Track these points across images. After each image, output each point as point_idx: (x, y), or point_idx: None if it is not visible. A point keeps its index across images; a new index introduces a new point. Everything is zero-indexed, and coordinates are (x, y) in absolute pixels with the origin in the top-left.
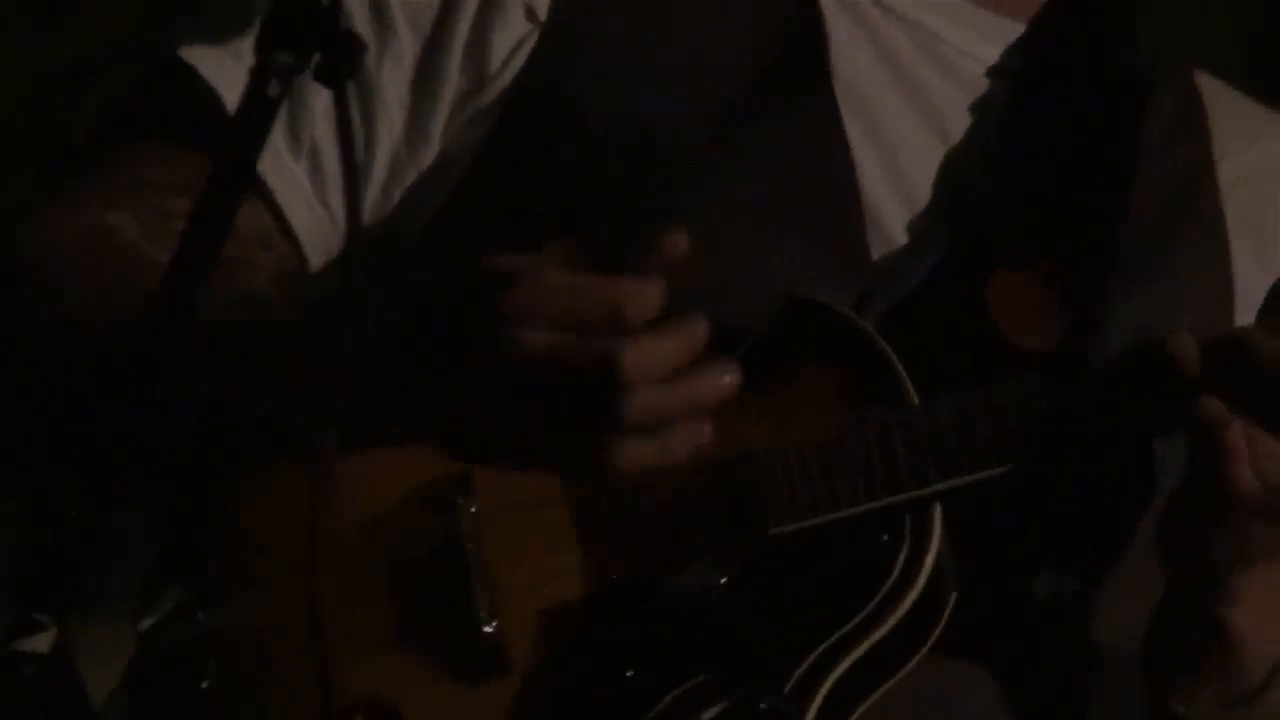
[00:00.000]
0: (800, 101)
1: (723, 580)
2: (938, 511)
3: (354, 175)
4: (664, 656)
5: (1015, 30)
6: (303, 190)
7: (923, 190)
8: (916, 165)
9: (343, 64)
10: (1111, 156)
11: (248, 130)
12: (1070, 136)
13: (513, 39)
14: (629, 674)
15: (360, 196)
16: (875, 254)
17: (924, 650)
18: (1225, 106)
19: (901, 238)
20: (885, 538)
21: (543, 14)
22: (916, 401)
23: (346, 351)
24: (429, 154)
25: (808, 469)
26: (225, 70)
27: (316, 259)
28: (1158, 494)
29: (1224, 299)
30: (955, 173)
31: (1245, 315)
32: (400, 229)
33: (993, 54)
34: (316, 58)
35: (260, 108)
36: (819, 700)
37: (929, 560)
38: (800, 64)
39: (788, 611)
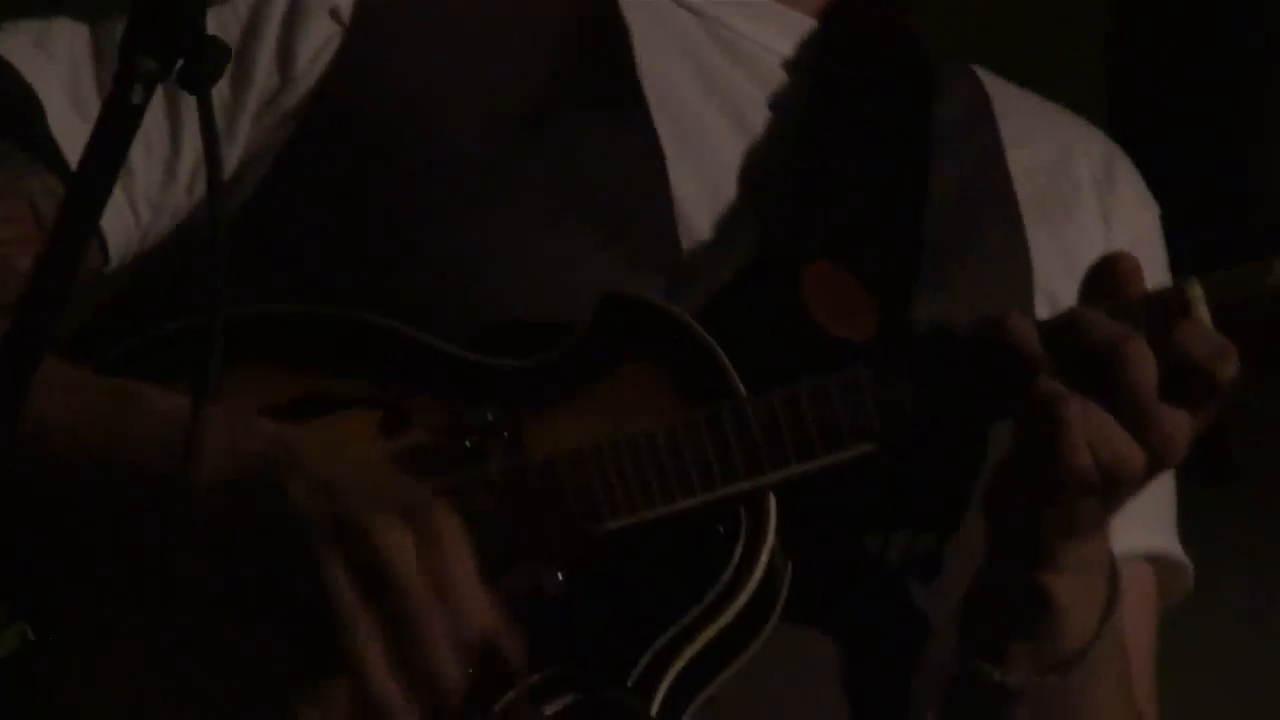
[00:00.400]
0: (607, 101)
1: (560, 577)
2: (772, 502)
3: (218, 181)
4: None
5: (808, 24)
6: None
7: (730, 185)
8: (722, 160)
9: (207, 69)
10: (905, 146)
11: (108, 140)
12: (865, 128)
13: (318, 40)
14: (471, 671)
15: (225, 202)
16: (686, 249)
17: (765, 633)
18: (1007, 97)
19: (711, 233)
20: (721, 529)
21: (346, 15)
22: (744, 393)
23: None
24: (234, 154)
25: (639, 464)
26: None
27: (116, 258)
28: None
29: (1023, 281)
30: (760, 167)
31: (1041, 298)
32: (200, 230)
33: (787, 48)
34: (180, 63)
35: (123, 115)
36: (663, 690)
37: (765, 552)
38: (605, 64)
39: (629, 604)
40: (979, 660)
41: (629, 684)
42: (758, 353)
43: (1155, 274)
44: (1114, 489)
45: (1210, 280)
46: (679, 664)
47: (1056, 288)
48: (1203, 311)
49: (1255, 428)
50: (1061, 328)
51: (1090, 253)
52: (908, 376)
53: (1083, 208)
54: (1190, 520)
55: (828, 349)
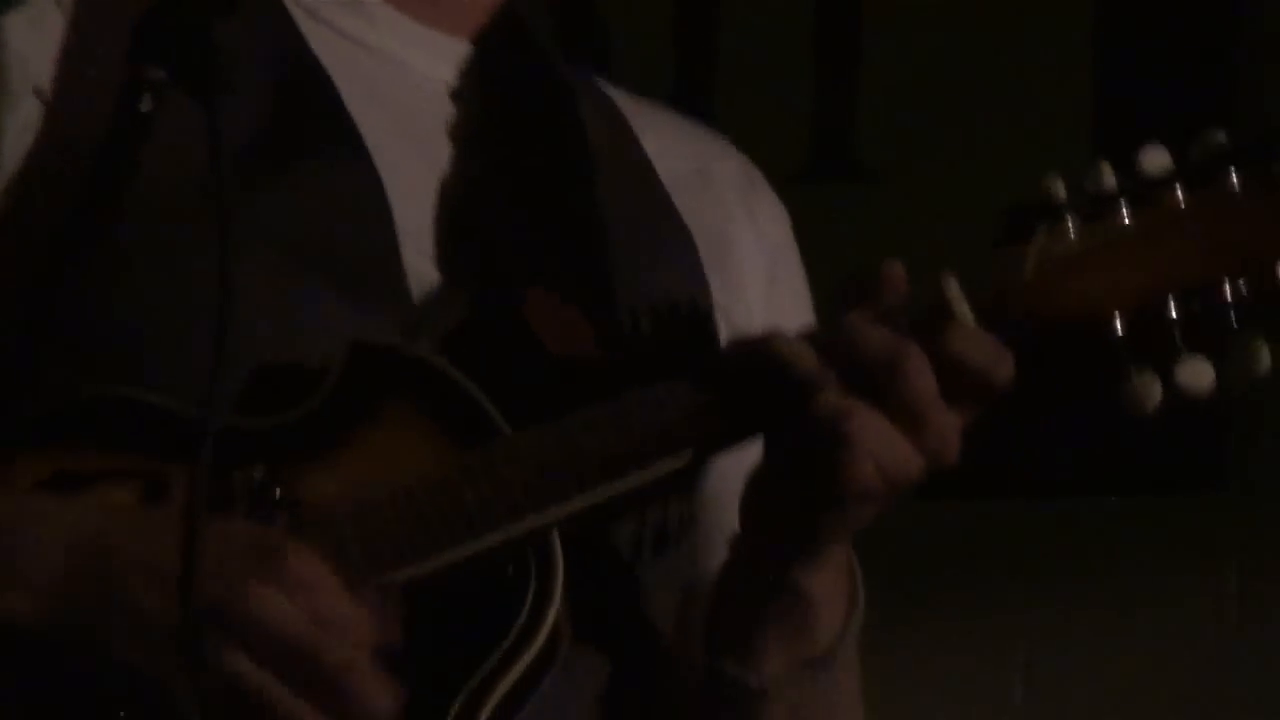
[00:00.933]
0: (324, 146)
1: None
2: (556, 538)
3: (226, 202)
4: None
5: (463, 49)
6: None
7: (437, 222)
8: (424, 196)
9: (214, 79)
10: (570, 164)
11: (119, 147)
12: (530, 149)
13: (23, 118)
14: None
15: (229, 221)
16: (415, 291)
17: (559, 661)
18: (640, 115)
19: (434, 271)
20: (510, 570)
21: (50, 93)
22: (508, 430)
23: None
24: None
25: (408, 514)
26: None
27: None
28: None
29: (700, 287)
30: (457, 201)
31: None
32: None
33: (451, 75)
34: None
35: (133, 124)
36: None
37: (558, 588)
38: (314, 110)
39: (432, 655)
40: (728, 659)
41: None
42: (497, 386)
43: (793, 280)
44: (891, 494)
45: (971, 277)
46: (490, 705)
47: (727, 281)
48: (964, 310)
49: (1238, 432)
50: (835, 341)
51: (746, 250)
52: (680, 400)
53: (731, 209)
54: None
55: (557, 376)
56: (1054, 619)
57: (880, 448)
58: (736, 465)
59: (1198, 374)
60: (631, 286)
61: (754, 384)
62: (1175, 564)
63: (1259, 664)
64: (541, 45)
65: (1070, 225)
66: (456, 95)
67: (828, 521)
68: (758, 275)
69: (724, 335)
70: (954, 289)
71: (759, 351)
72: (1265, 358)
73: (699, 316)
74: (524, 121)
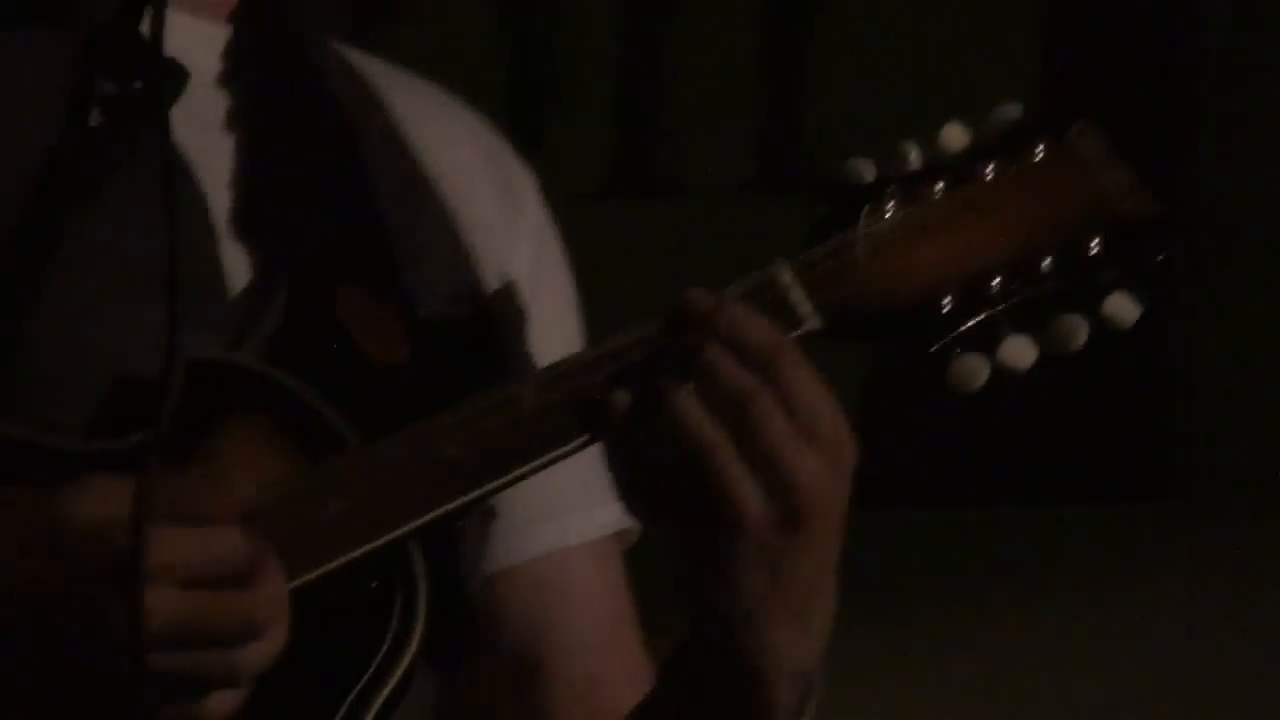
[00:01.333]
0: (140, 162)
1: None
2: (416, 549)
3: (174, 218)
4: None
5: (223, 34)
6: None
7: (243, 224)
8: (227, 198)
9: (166, 93)
10: (345, 149)
11: (69, 161)
12: (299, 138)
13: None
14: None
15: (176, 240)
16: (233, 299)
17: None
18: (386, 78)
19: (247, 276)
20: (374, 584)
21: None
22: (355, 441)
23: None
24: None
25: (267, 536)
26: None
27: None
28: None
29: (466, 254)
30: (252, 198)
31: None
32: None
33: (215, 63)
34: (137, 85)
35: (82, 138)
36: None
37: (422, 599)
38: (134, 125)
39: (308, 674)
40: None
41: None
42: (333, 390)
43: (554, 254)
44: (801, 518)
45: (800, 262)
46: (371, 714)
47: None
48: (798, 296)
49: (1192, 444)
50: (697, 368)
51: (513, 231)
52: (529, 406)
53: (489, 188)
54: (1134, 536)
55: (374, 378)
56: (1000, 629)
57: (760, 468)
58: None
59: (1020, 352)
60: (420, 280)
61: (606, 389)
62: (1119, 573)
63: (1204, 671)
64: (294, 26)
65: (890, 205)
66: (223, 82)
67: (745, 567)
68: (523, 256)
69: (501, 320)
70: (787, 276)
71: (604, 360)
72: (1082, 332)
73: (487, 308)
74: (287, 111)
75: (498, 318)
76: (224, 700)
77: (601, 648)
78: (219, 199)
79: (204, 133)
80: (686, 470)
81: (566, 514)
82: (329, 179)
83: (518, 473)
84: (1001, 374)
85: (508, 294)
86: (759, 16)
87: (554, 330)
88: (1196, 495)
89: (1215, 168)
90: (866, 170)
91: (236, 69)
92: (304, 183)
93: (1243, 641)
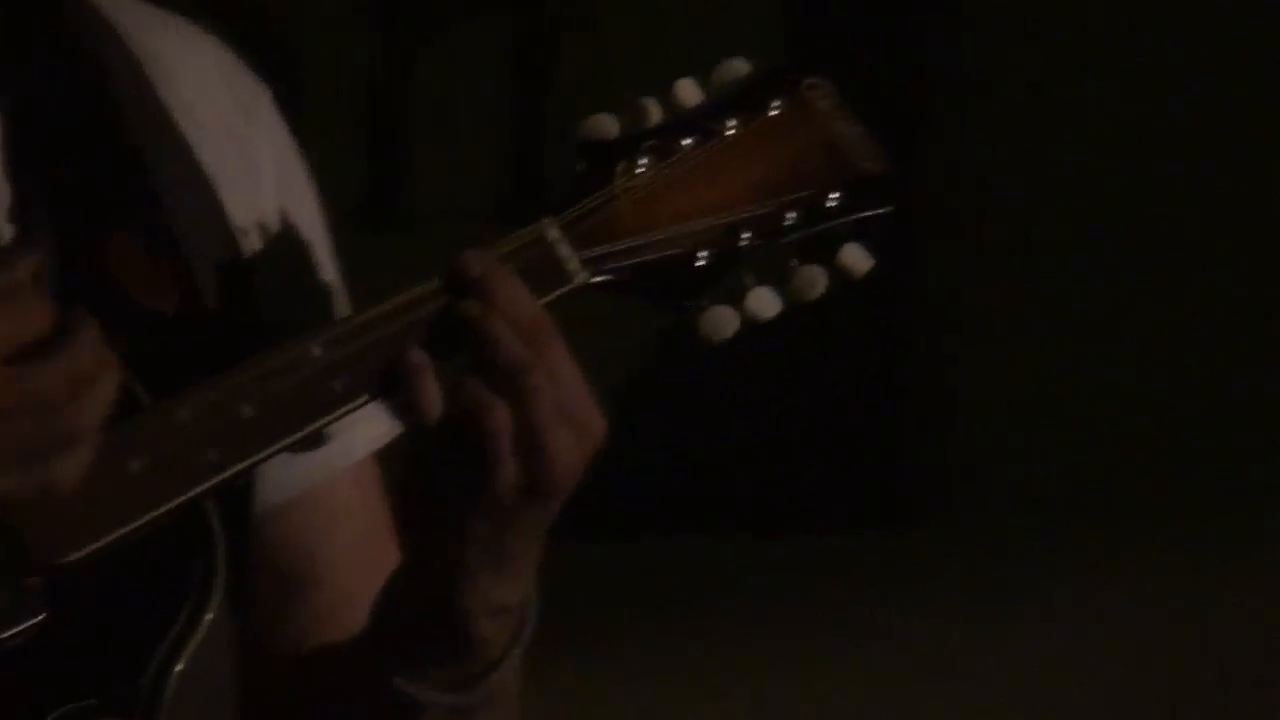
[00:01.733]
0: None
1: (38, 618)
2: (213, 504)
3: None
4: (13, 706)
5: None
6: None
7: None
8: None
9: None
10: (97, 96)
11: None
12: (54, 86)
13: None
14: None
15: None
16: None
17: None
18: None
19: (8, 235)
20: (175, 540)
21: None
22: (148, 401)
23: None
24: None
25: (73, 497)
26: None
27: None
28: None
29: (219, 197)
30: (9, 155)
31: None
32: None
33: None
34: None
35: None
36: (169, 695)
37: (221, 551)
38: None
39: (122, 627)
40: (386, 675)
41: (140, 700)
42: (117, 345)
43: (283, 147)
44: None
45: (565, 218)
46: (179, 666)
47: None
48: (566, 251)
49: (926, 472)
50: (477, 338)
51: (262, 160)
52: (316, 363)
53: (223, 100)
54: (868, 562)
55: (147, 326)
56: (753, 654)
57: (519, 436)
58: None
59: (764, 303)
60: (180, 220)
61: (386, 351)
62: (849, 601)
63: (954, 695)
64: None
65: (643, 161)
66: None
67: (476, 526)
68: (266, 174)
69: (255, 255)
70: (554, 232)
71: (390, 317)
72: (821, 283)
73: (215, 218)
74: (35, 60)
75: (262, 252)
76: (72, 461)
77: (359, 565)
78: None
79: None
80: (457, 424)
81: (332, 438)
82: (85, 128)
83: (309, 429)
84: (749, 324)
85: (263, 225)
86: (504, 56)
87: (311, 239)
88: (932, 523)
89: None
90: (610, 126)
91: None
92: (59, 133)
93: (973, 671)
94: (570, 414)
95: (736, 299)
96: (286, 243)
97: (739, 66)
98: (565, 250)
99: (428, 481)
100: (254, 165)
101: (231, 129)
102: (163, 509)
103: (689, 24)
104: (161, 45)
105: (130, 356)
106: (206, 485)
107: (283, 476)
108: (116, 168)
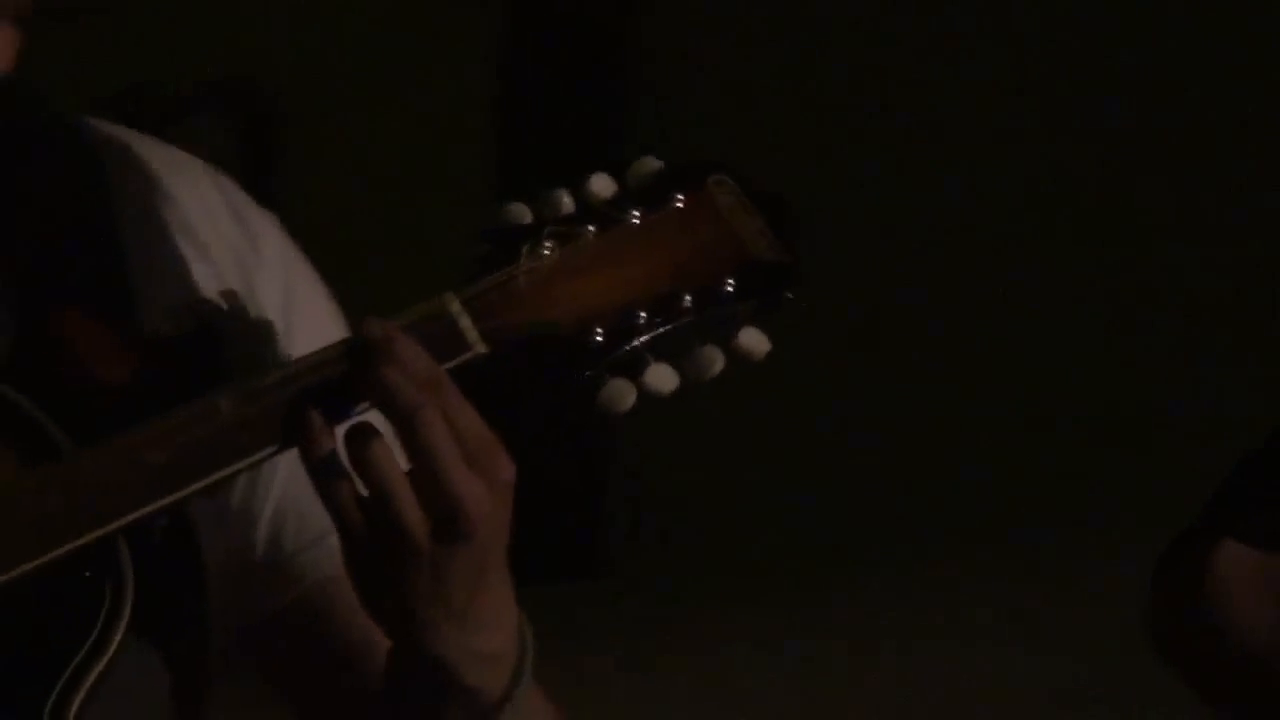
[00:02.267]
0: None
1: None
2: (122, 543)
3: None
4: None
5: None
6: None
7: None
8: None
9: None
10: (85, 196)
11: None
12: (48, 174)
13: None
14: None
15: None
16: None
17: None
18: (123, 132)
19: None
20: (88, 574)
21: None
22: (69, 444)
23: None
24: None
25: None
26: None
27: None
28: None
29: (214, 309)
30: None
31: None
32: None
33: None
34: None
35: None
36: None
37: (129, 587)
38: None
39: (26, 661)
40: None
41: None
42: (54, 400)
43: (292, 269)
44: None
45: (466, 292)
46: (79, 697)
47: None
48: (466, 324)
49: (614, 521)
50: (373, 389)
51: (262, 276)
52: (226, 416)
53: (223, 217)
54: (568, 614)
55: (99, 387)
56: None
57: (423, 487)
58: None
59: (662, 379)
60: (148, 300)
61: (290, 407)
62: (568, 649)
63: None
64: (39, 92)
65: (547, 244)
66: None
67: (415, 580)
68: (272, 286)
69: (248, 360)
70: (455, 305)
71: (296, 378)
72: (718, 363)
73: (213, 340)
74: (33, 153)
75: (228, 335)
76: None
77: (356, 656)
78: None
79: None
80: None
81: (322, 539)
82: (69, 209)
83: (215, 477)
84: (646, 398)
85: (240, 313)
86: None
87: (314, 339)
88: (624, 574)
89: None
90: (523, 214)
91: None
92: (45, 220)
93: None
94: (473, 457)
95: (636, 373)
96: (302, 343)
97: (651, 162)
98: (466, 322)
99: (354, 548)
100: (254, 275)
101: (230, 240)
102: (69, 546)
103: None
104: (170, 173)
105: (69, 414)
106: (114, 525)
107: (279, 579)
108: (92, 249)
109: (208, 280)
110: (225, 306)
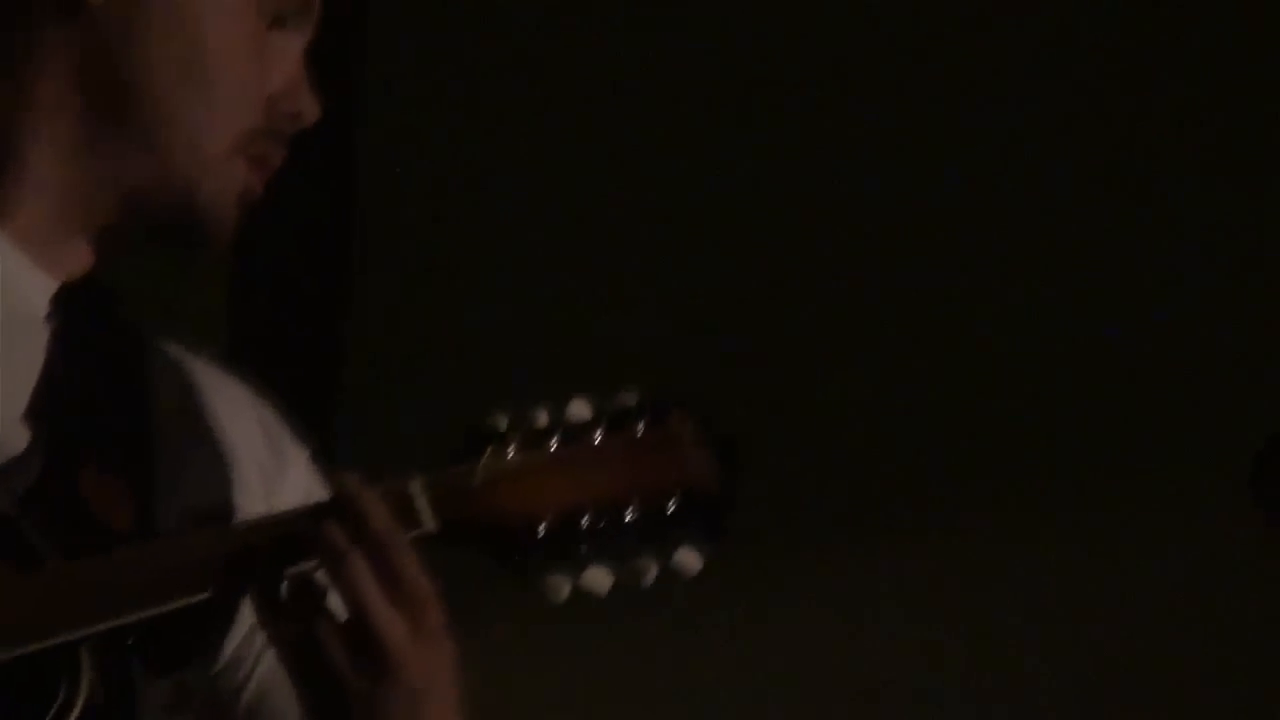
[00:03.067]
0: None
1: None
2: (85, 649)
3: None
4: None
5: (54, 285)
6: None
7: (32, 410)
8: (23, 378)
9: None
10: (135, 379)
11: None
12: (103, 364)
13: None
14: None
15: None
16: (4, 452)
17: None
18: (200, 372)
19: (25, 434)
20: (44, 676)
21: None
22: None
23: None
24: None
25: None
26: None
27: None
28: None
29: (228, 493)
30: (44, 387)
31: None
32: None
33: (43, 304)
34: None
35: None
36: None
37: (81, 694)
38: None
39: None
40: None
41: None
42: (63, 540)
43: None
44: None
45: (430, 478)
46: None
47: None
48: (422, 504)
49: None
50: (316, 535)
51: (266, 469)
52: (200, 548)
53: (257, 435)
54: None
55: (110, 543)
56: None
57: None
58: None
59: (597, 581)
60: (174, 485)
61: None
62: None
63: None
64: (115, 298)
65: (511, 449)
66: (47, 317)
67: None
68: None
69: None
70: (416, 487)
71: (260, 529)
72: (650, 575)
73: (222, 509)
74: (94, 345)
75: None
76: None
77: None
78: (19, 389)
79: (21, 340)
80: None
81: None
82: (114, 396)
83: (170, 605)
84: (580, 596)
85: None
86: None
87: None
88: None
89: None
90: (502, 422)
91: (59, 310)
92: (92, 396)
93: None
94: (402, 600)
95: (575, 571)
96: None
97: (629, 396)
98: (422, 503)
99: (299, 685)
100: (276, 490)
101: (260, 457)
102: (32, 647)
103: None
104: (213, 387)
105: (57, 534)
106: (72, 635)
107: None
108: (128, 431)
109: (230, 491)
110: (241, 517)
